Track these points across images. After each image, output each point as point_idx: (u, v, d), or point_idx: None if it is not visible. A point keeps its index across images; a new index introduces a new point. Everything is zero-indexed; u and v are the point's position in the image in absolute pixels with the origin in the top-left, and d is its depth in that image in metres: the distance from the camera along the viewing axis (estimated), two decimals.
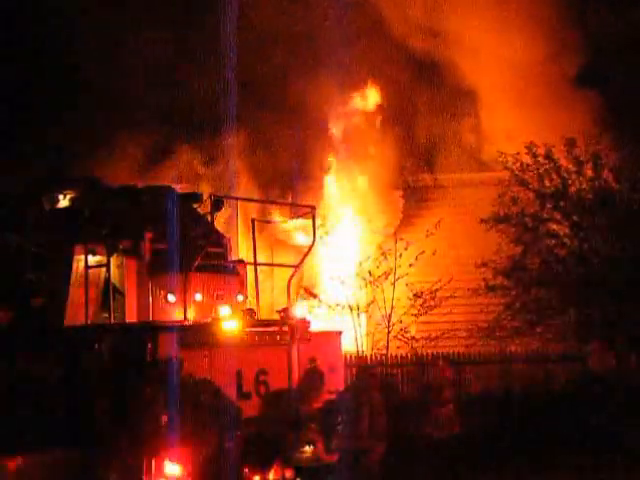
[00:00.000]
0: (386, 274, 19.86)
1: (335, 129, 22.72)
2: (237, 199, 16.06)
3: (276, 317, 13.36)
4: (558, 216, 19.70)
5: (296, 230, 20.36)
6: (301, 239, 19.90)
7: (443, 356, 17.81)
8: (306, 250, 14.18)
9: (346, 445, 12.68)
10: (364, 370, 15.49)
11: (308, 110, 21.86)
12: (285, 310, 13.23)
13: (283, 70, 21.96)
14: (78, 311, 12.87)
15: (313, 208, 14.23)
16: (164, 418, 11.50)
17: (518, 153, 19.56)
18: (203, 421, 11.55)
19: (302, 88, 21.43)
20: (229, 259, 14.02)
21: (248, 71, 20.68)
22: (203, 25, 20.85)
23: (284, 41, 21.73)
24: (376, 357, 19.38)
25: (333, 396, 12.99)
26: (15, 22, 21.84)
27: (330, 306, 19.92)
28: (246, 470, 11.99)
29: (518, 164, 19.62)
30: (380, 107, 23.05)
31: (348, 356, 17.95)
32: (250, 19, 21.19)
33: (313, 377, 12.92)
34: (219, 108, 18.58)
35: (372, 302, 19.99)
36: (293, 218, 16.33)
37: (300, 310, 14.35)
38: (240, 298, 13.78)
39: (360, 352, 19.48)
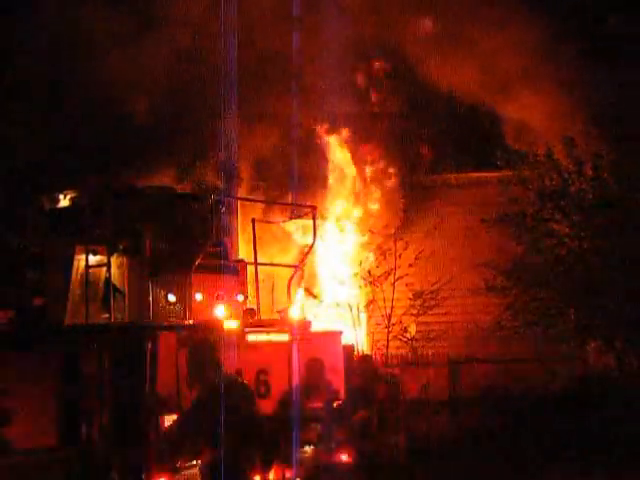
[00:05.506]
0: (386, 274, 19.84)
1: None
2: (237, 199, 16.06)
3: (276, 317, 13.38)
4: (558, 216, 19.68)
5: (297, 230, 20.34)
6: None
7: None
8: (306, 250, 14.18)
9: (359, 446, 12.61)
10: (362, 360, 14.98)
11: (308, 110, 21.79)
12: (285, 310, 13.24)
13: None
14: (78, 311, 12.88)
15: (314, 208, 14.25)
16: (164, 418, 11.50)
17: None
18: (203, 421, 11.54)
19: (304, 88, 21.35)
20: (229, 259, 14.02)
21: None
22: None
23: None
24: (376, 357, 19.37)
25: (336, 397, 12.96)
26: None
27: (330, 306, 19.91)
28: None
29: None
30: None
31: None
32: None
33: (314, 377, 12.91)
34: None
35: (372, 302, 19.98)
36: (294, 218, 16.31)
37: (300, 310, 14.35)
38: (240, 298, 13.78)
39: (360, 352, 19.47)
